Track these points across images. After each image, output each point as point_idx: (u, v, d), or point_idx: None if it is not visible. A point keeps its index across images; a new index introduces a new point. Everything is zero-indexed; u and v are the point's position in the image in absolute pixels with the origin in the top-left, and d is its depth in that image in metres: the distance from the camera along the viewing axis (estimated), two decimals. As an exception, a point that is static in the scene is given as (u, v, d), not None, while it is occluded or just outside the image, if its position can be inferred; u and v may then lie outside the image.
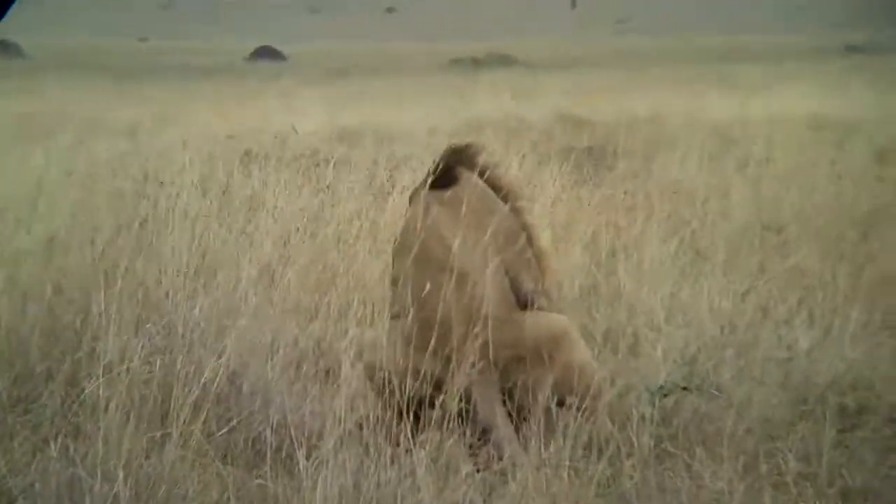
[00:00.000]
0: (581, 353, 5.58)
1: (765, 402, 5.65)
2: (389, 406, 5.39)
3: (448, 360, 5.38)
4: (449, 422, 5.32)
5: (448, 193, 5.75)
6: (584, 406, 5.36)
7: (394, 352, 5.43)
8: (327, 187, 9.10)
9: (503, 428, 5.39)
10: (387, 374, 5.41)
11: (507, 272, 5.74)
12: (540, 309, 5.78)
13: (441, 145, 12.76)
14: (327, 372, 6.29)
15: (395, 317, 5.63)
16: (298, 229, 8.00)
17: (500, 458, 5.29)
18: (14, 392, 5.89)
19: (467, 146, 5.97)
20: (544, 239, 6.24)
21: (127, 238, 7.54)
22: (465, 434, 5.34)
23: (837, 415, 5.50)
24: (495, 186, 5.97)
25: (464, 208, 5.64)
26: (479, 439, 5.37)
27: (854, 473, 5.13)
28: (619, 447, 5.30)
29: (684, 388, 5.71)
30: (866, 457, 5.31)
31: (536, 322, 5.58)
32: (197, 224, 7.81)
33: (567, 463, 5.04)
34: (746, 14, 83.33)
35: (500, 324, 5.46)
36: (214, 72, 35.00)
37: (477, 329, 5.38)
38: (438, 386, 5.39)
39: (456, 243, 5.53)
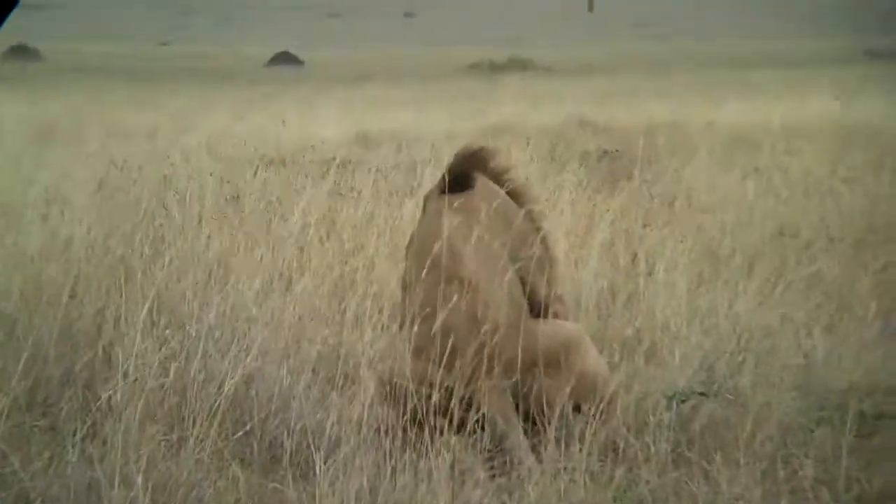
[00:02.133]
0: (594, 360, 5.56)
1: (783, 408, 5.64)
2: (403, 414, 5.38)
3: (459, 369, 5.37)
4: (463, 429, 5.31)
5: (461, 199, 5.71)
6: (599, 413, 5.35)
7: (404, 362, 5.41)
8: (344, 192, 9.11)
9: (516, 436, 5.38)
10: (398, 384, 5.40)
11: (521, 278, 5.72)
12: (555, 315, 5.76)
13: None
14: (344, 377, 6.29)
15: (403, 324, 5.62)
16: (315, 234, 8.01)
17: (514, 465, 5.28)
18: (32, 396, 5.91)
19: (480, 149, 5.92)
20: (558, 246, 6.22)
21: (144, 243, 7.57)
22: (479, 440, 5.34)
23: (855, 420, 5.48)
24: (510, 191, 5.94)
25: (480, 215, 5.61)
26: (493, 447, 5.36)
27: (871, 479, 5.12)
28: (636, 453, 5.30)
29: (702, 394, 5.70)
30: (884, 462, 5.29)
31: (549, 330, 5.57)
32: (214, 229, 7.84)
33: (583, 468, 5.04)
34: (765, 19, 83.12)
35: (512, 332, 5.44)
36: (234, 77, 35.11)
37: (486, 338, 5.36)
38: (450, 395, 5.38)
39: (467, 251, 5.50)
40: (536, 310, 5.72)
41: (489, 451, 5.34)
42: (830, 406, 5.78)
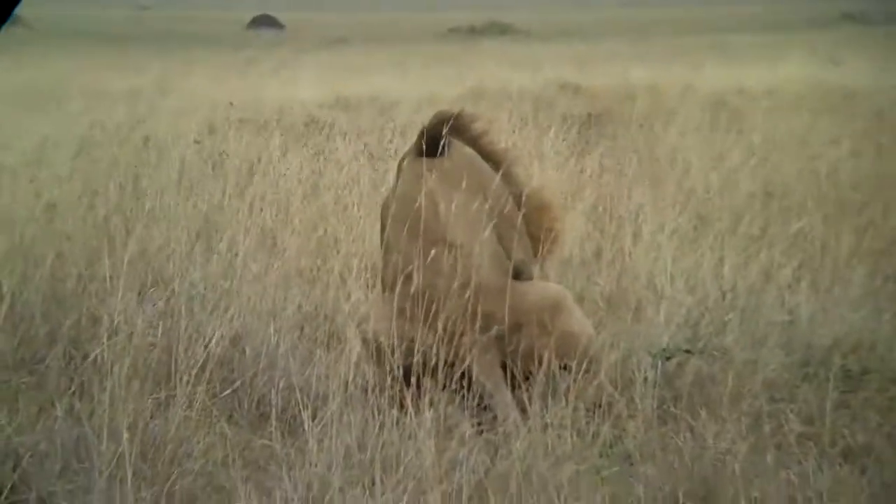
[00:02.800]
0: (579, 319, 5.58)
1: (767, 365, 5.67)
2: (389, 372, 5.40)
3: (443, 330, 5.39)
4: (448, 387, 5.33)
5: (439, 162, 5.71)
6: (584, 370, 5.38)
7: (388, 323, 5.42)
8: (325, 154, 9.10)
9: (500, 393, 5.41)
10: (382, 343, 5.41)
11: (499, 240, 5.73)
12: (529, 279, 5.78)
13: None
14: (330, 335, 6.30)
15: (386, 285, 5.63)
16: (299, 195, 8.00)
17: (499, 422, 5.31)
18: (18, 354, 5.91)
19: (456, 114, 5.92)
20: (549, 192, 6.21)
21: (129, 203, 7.55)
22: (465, 398, 5.36)
23: (840, 376, 5.52)
24: (487, 153, 5.94)
25: (456, 177, 5.61)
26: (478, 405, 5.39)
27: (856, 433, 5.16)
28: (622, 409, 5.33)
29: (687, 351, 5.73)
30: (868, 417, 5.33)
31: (533, 290, 5.59)
32: (197, 190, 7.83)
33: (570, 424, 5.06)
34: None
35: (495, 292, 5.46)
36: (214, 40, 34.91)
37: (470, 298, 5.38)
38: (435, 354, 5.41)
39: (446, 213, 5.51)
40: (514, 272, 5.73)
41: (475, 407, 5.37)
42: (815, 362, 5.81)
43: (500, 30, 42.88)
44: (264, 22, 48.95)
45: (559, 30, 42.65)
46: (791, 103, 13.89)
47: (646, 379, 5.41)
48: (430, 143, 5.74)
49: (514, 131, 10.28)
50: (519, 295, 5.50)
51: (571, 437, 5.05)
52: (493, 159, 5.92)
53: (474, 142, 5.92)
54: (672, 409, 5.38)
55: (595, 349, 5.52)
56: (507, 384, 5.46)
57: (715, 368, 5.64)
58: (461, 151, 5.81)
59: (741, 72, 19.27)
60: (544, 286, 5.68)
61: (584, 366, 5.41)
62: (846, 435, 5.14)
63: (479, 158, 5.87)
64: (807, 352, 5.92)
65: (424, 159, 5.71)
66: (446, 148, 5.73)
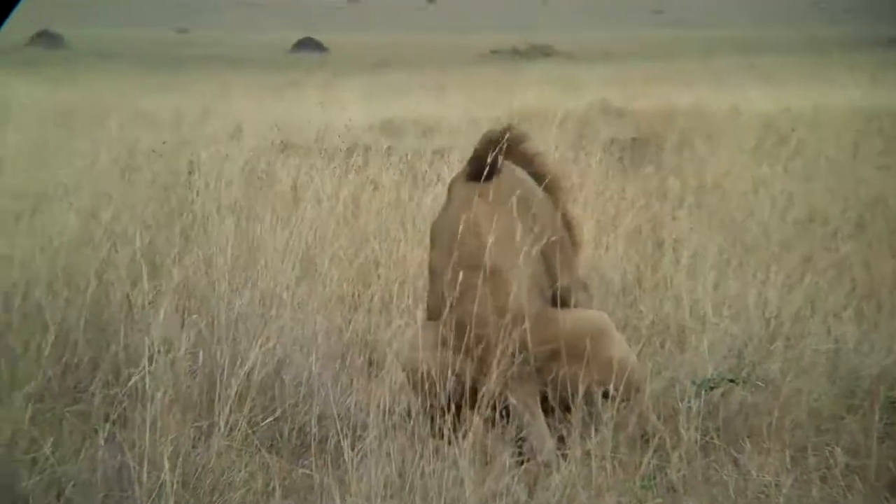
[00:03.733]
0: (620, 348, 5.53)
1: (812, 395, 5.60)
2: (430, 401, 5.38)
3: (482, 359, 5.36)
4: (489, 416, 5.30)
5: (487, 186, 5.68)
6: (626, 400, 5.33)
7: (430, 352, 5.40)
8: (368, 177, 9.11)
9: (537, 424, 5.37)
10: (425, 373, 5.39)
11: (545, 265, 5.69)
12: (576, 304, 5.75)
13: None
14: (371, 363, 6.29)
15: (430, 311, 5.61)
16: (340, 219, 8.01)
17: (534, 455, 5.27)
18: (63, 382, 5.93)
19: (507, 133, 5.88)
20: (584, 231, 6.20)
21: (172, 229, 7.58)
22: (505, 427, 5.33)
23: (886, 407, 5.45)
24: (537, 174, 5.91)
25: (506, 201, 5.57)
26: (517, 435, 5.36)
27: (904, 467, 5.08)
28: (664, 440, 5.28)
29: (731, 381, 5.67)
30: (916, 450, 5.26)
31: (571, 318, 5.55)
32: (240, 215, 7.85)
33: (610, 454, 5.02)
34: (786, 5, 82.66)
35: (536, 320, 5.42)
36: (257, 63, 35.12)
37: (510, 327, 5.34)
38: (475, 384, 5.38)
39: (493, 239, 5.48)
40: (562, 297, 5.70)
41: (514, 437, 5.34)
42: (861, 393, 5.74)
43: (542, 52, 42.89)
44: (307, 45, 49.25)
45: (602, 51, 42.59)
46: (837, 126, 13.77)
47: (689, 409, 5.36)
48: (479, 166, 5.72)
49: (556, 155, 10.24)
50: (556, 322, 5.46)
51: (613, 467, 5.01)
52: (544, 179, 5.89)
53: (526, 161, 5.90)
54: (715, 440, 5.32)
55: (638, 377, 5.47)
56: (543, 414, 5.42)
57: (759, 398, 5.58)
58: (511, 174, 5.79)
59: (786, 93, 19.14)
60: (584, 313, 5.64)
61: (626, 394, 5.35)
62: (892, 468, 5.07)
63: (529, 180, 5.84)
64: (852, 382, 5.85)
65: (474, 182, 5.70)
66: (496, 170, 5.71)
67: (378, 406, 5.26)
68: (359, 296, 7.18)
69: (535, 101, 19.26)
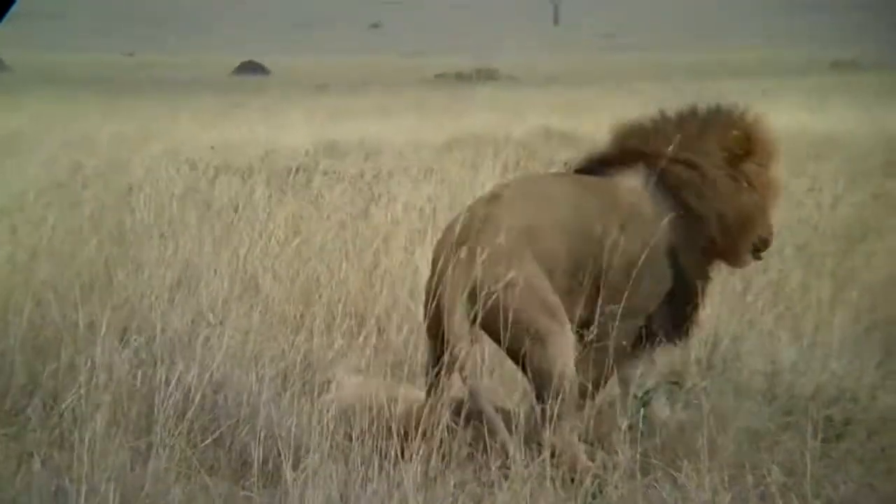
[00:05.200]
0: (553, 356, 5.49)
1: (750, 415, 5.65)
2: (373, 423, 5.38)
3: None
4: (433, 437, 5.31)
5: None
6: (557, 412, 5.31)
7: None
8: (311, 199, 9.10)
9: (503, 430, 5.37)
10: (367, 394, 5.41)
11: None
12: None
13: (427, 159, 12.78)
14: (313, 384, 6.27)
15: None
16: (282, 240, 7.99)
17: (505, 458, 5.26)
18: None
19: (647, 128, 5.84)
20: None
21: (110, 250, 7.53)
22: (450, 447, 5.34)
23: (822, 426, 5.50)
24: (671, 185, 5.67)
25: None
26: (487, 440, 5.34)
27: (838, 485, 5.14)
28: (603, 459, 5.31)
29: (674, 383, 5.71)
30: (851, 468, 5.31)
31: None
32: (180, 236, 7.81)
33: (550, 474, 5.04)
34: (732, 31, 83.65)
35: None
36: (200, 86, 34.99)
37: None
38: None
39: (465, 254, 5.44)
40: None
41: (470, 445, 5.35)
42: (798, 412, 5.80)
43: (486, 75, 43.09)
44: (250, 68, 49.19)
45: (547, 76, 42.86)
46: (783, 148, 13.89)
47: (629, 427, 5.38)
48: (605, 157, 5.77)
49: (494, 176, 10.29)
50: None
51: (553, 487, 5.03)
52: (677, 193, 5.73)
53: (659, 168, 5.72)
54: (654, 460, 5.35)
55: (570, 390, 5.43)
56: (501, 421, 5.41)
57: (697, 418, 5.62)
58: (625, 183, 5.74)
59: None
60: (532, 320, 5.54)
61: (557, 406, 5.34)
62: (828, 485, 5.12)
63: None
64: (789, 401, 5.91)
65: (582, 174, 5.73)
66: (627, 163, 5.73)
67: (320, 427, 5.25)
68: (301, 316, 7.15)
69: (479, 125, 19.35)
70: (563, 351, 5.44)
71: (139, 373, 5.54)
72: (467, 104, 25.16)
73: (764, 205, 5.77)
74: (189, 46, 72.08)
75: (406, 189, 9.74)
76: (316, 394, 5.99)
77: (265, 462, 5.30)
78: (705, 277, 5.76)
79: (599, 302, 5.51)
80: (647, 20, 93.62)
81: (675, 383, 5.76)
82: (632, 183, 5.71)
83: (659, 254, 5.57)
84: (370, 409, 5.47)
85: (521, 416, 5.32)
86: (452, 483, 5.08)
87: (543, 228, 5.51)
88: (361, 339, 6.58)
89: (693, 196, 5.68)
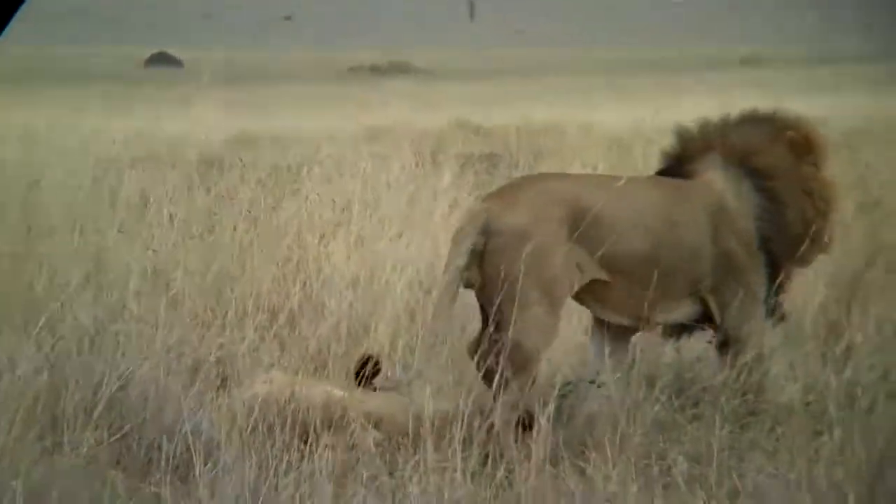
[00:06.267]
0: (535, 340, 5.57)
1: (656, 406, 5.72)
2: (285, 417, 5.38)
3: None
4: (343, 430, 5.32)
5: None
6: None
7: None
8: (223, 192, 9.03)
9: None
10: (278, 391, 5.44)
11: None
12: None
13: (341, 152, 12.76)
14: (224, 379, 6.23)
15: None
16: (194, 233, 7.91)
17: None
18: None
19: (713, 127, 6.00)
20: None
21: (15, 244, 7.40)
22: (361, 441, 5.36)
23: (728, 418, 5.60)
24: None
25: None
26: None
27: (743, 475, 5.22)
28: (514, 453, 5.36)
29: (591, 382, 5.77)
30: (755, 458, 5.41)
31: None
32: (89, 229, 7.71)
33: (460, 466, 5.07)
34: (643, 27, 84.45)
35: None
36: (110, 78, 34.52)
37: None
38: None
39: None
40: None
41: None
42: (703, 403, 5.88)
43: (401, 69, 43.08)
44: (162, 59, 48.65)
45: (461, 70, 42.95)
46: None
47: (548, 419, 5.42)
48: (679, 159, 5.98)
49: (408, 169, 10.29)
50: None
51: (465, 480, 5.06)
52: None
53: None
54: (563, 452, 5.39)
55: (528, 369, 5.51)
56: None
57: (605, 409, 5.68)
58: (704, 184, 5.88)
59: (638, 111, 19.52)
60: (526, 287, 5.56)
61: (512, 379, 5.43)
62: (734, 475, 5.21)
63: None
64: (695, 393, 5.99)
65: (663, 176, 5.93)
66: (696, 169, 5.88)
67: (232, 422, 5.23)
68: (212, 311, 7.10)
69: (393, 118, 19.34)
70: (542, 332, 5.53)
71: (45, 369, 5.46)
72: (381, 97, 25.12)
73: (831, 200, 5.96)
74: (99, 38, 71.12)
75: (319, 182, 9.71)
76: (228, 389, 5.96)
77: (175, 458, 5.26)
78: (800, 263, 5.92)
79: (715, 307, 5.73)
80: (559, 17, 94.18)
81: (592, 381, 5.82)
82: (713, 177, 5.84)
83: (752, 243, 5.76)
84: (282, 403, 5.46)
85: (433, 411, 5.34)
86: (364, 476, 5.09)
87: (615, 224, 5.59)
88: (272, 333, 6.55)
89: (778, 186, 5.85)
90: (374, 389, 5.73)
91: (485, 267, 5.48)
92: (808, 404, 5.70)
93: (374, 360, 5.76)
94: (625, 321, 5.81)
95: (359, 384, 5.71)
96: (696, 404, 5.89)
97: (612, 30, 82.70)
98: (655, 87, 27.69)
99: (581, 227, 5.54)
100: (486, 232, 5.50)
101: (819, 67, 35.78)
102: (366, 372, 5.72)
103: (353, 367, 5.83)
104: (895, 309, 6.73)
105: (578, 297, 5.79)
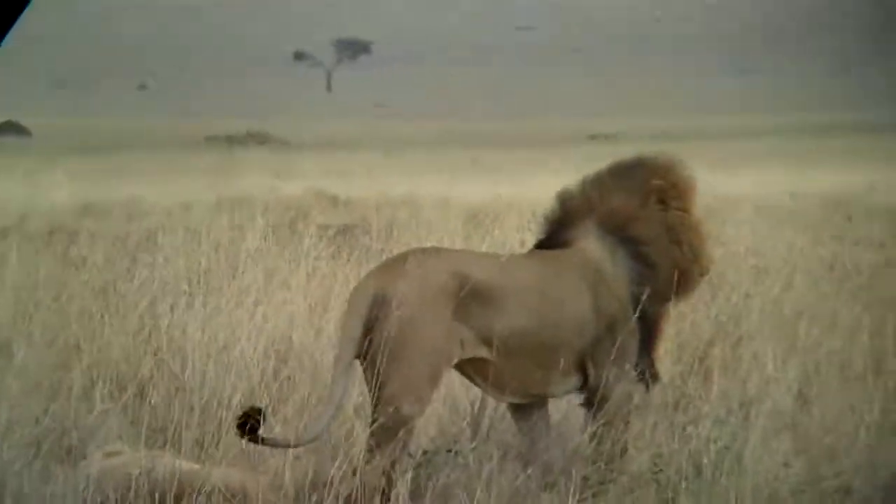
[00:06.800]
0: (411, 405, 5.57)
1: (511, 474, 5.72)
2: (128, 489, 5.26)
3: None
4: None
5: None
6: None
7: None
8: (70, 261, 8.84)
9: None
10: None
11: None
12: None
13: (196, 221, 12.60)
14: (69, 451, 6.04)
15: None
16: (41, 303, 7.71)
17: None
18: None
19: (587, 187, 6.03)
20: None
21: None
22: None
23: (580, 486, 5.62)
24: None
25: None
26: None
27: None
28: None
29: (448, 451, 5.75)
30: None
31: None
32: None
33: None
34: (499, 104, 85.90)
35: None
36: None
37: None
38: None
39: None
40: None
41: None
42: (557, 471, 5.90)
43: (258, 139, 42.95)
44: (9, 129, 47.66)
45: (319, 141, 43.03)
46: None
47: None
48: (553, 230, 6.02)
49: (265, 238, 10.20)
50: None
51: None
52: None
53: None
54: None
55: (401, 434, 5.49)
56: None
57: (462, 476, 5.66)
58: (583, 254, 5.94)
59: (495, 185, 19.76)
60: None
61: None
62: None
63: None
64: (549, 461, 5.99)
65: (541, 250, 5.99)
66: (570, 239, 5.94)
67: (75, 496, 5.07)
68: (59, 382, 6.88)
69: (250, 188, 19.24)
70: (418, 399, 5.55)
71: None
72: (237, 166, 24.98)
73: (700, 242, 6.05)
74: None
75: (173, 250, 9.55)
76: (71, 462, 5.77)
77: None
78: (666, 317, 6.05)
79: (593, 370, 5.79)
80: (421, 90, 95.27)
81: (450, 451, 5.80)
82: (589, 245, 5.92)
83: (628, 306, 5.84)
84: (128, 478, 5.31)
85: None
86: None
87: (500, 303, 5.65)
88: (120, 405, 6.38)
89: (652, 251, 5.94)
90: (260, 441, 5.58)
91: (373, 336, 5.53)
92: (656, 473, 5.74)
93: (258, 409, 5.61)
94: (507, 399, 5.86)
95: (242, 435, 5.57)
96: (549, 472, 5.90)
97: (471, 105, 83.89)
98: (511, 161, 28.12)
99: (467, 303, 5.61)
100: (375, 303, 5.56)
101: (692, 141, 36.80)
102: (248, 423, 5.56)
103: (234, 421, 5.68)
104: (739, 381, 6.85)
105: (465, 372, 5.82)
